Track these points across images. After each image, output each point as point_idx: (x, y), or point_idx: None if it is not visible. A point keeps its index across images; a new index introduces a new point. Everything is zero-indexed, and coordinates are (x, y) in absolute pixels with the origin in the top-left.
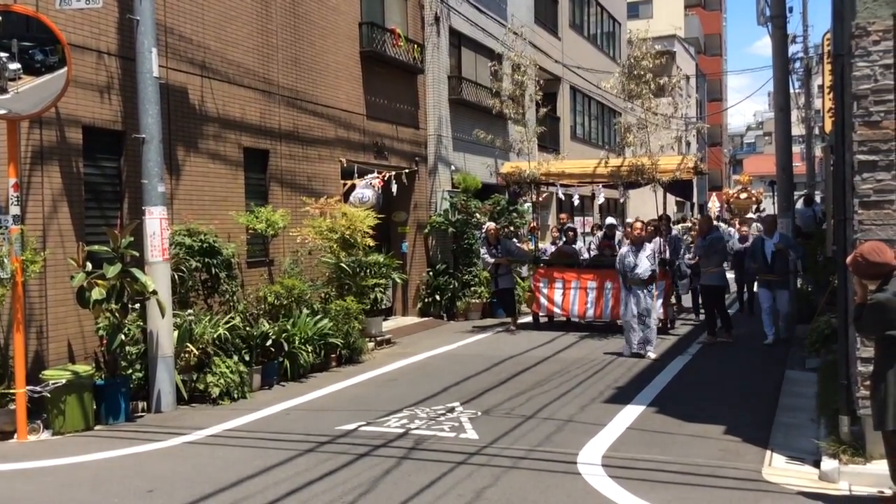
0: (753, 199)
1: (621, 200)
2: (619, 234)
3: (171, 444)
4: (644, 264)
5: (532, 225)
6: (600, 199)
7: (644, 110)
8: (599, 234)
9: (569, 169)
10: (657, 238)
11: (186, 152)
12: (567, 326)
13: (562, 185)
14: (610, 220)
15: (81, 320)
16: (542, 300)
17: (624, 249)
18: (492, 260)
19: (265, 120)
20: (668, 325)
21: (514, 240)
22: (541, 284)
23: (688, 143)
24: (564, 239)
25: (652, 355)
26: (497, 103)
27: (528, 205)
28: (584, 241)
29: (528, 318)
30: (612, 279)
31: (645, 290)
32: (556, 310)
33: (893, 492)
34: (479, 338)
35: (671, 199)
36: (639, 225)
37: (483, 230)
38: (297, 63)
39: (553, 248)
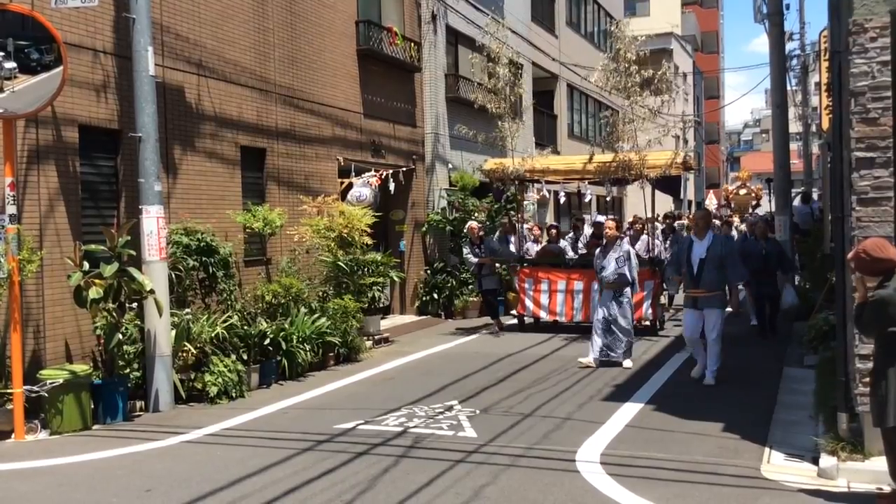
0: (753, 195)
1: (608, 198)
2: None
3: (168, 444)
4: (611, 266)
5: (531, 223)
6: (587, 197)
7: (629, 104)
8: (587, 231)
9: (554, 165)
10: (643, 237)
11: (183, 151)
12: (554, 328)
13: (547, 183)
14: (600, 217)
15: (79, 320)
16: (528, 302)
17: (598, 249)
18: (475, 260)
19: (262, 118)
20: (658, 326)
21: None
22: (526, 285)
23: (685, 141)
24: (548, 238)
25: (627, 363)
26: (480, 97)
27: (526, 202)
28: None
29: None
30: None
31: (613, 296)
32: (543, 313)
33: (892, 489)
34: (477, 336)
35: (670, 196)
36: (611, 224)
37: (466, 229)
38: (294, 61)
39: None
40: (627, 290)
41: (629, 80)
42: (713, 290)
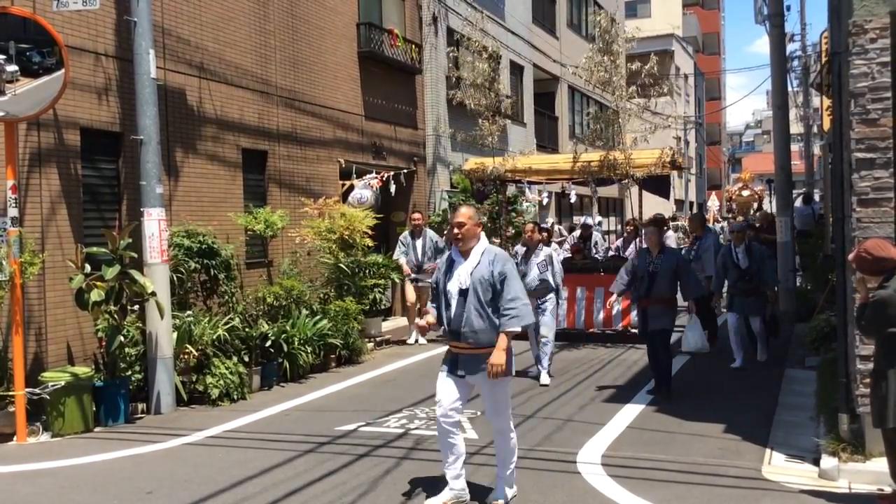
0: (756, 195)
1: (593, 198)
2: (596, 237)
3: (170, 446)
4: (533, 272)
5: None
6: (572, 198)
7: (615, 99)
8: (575, 234)
9: (536, 165)
10: (635, 240)
11: (185, 153)
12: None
13: (529, 183)
14: (588, 220)
15: (80, 322)
16: None
17: (521, 255)
18: None
19: (263, 121)
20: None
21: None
22: None
23: (686, 142)
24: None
25: (545, 379)
26: (458, 94)
27: (527, 204)
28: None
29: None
30: (585, 285)
31: (538, 303)
32: None
33: (893, 490)
34: None
35: (673, 196)
36: (530, 227)
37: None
38: (295, 64)
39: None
40: (550, 296)
41: (615, 72)
42: (484, 347)
